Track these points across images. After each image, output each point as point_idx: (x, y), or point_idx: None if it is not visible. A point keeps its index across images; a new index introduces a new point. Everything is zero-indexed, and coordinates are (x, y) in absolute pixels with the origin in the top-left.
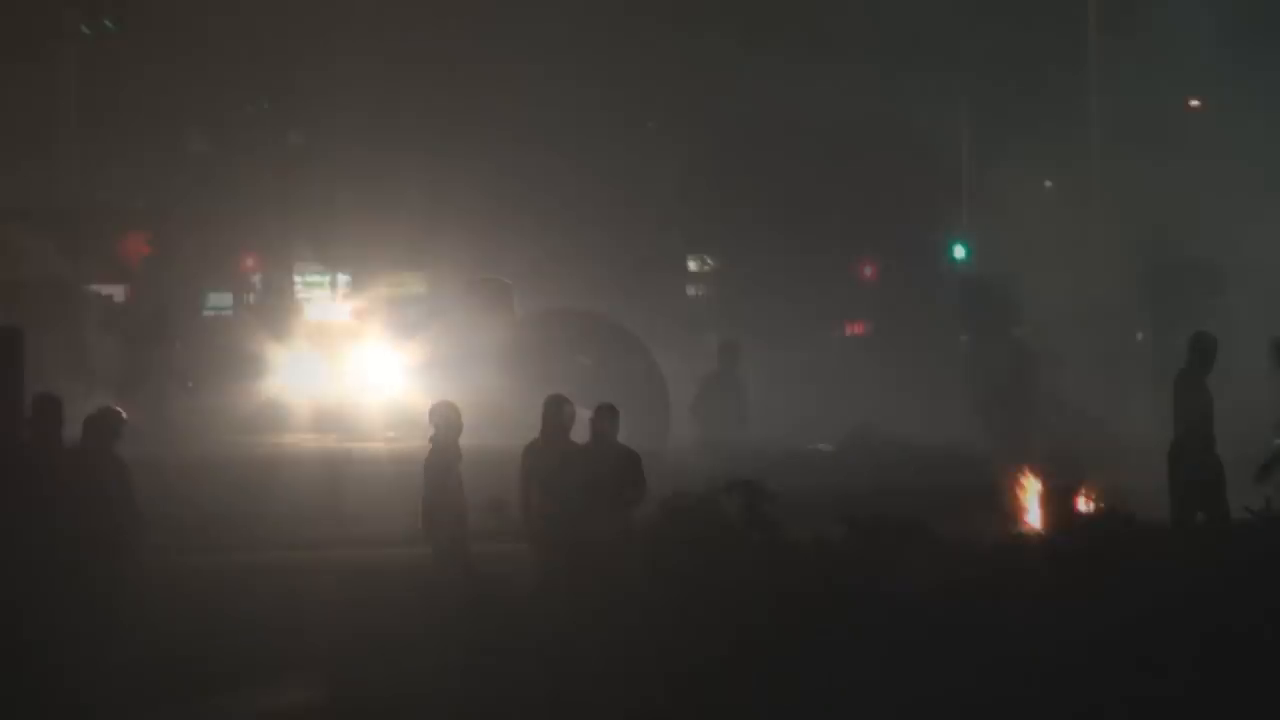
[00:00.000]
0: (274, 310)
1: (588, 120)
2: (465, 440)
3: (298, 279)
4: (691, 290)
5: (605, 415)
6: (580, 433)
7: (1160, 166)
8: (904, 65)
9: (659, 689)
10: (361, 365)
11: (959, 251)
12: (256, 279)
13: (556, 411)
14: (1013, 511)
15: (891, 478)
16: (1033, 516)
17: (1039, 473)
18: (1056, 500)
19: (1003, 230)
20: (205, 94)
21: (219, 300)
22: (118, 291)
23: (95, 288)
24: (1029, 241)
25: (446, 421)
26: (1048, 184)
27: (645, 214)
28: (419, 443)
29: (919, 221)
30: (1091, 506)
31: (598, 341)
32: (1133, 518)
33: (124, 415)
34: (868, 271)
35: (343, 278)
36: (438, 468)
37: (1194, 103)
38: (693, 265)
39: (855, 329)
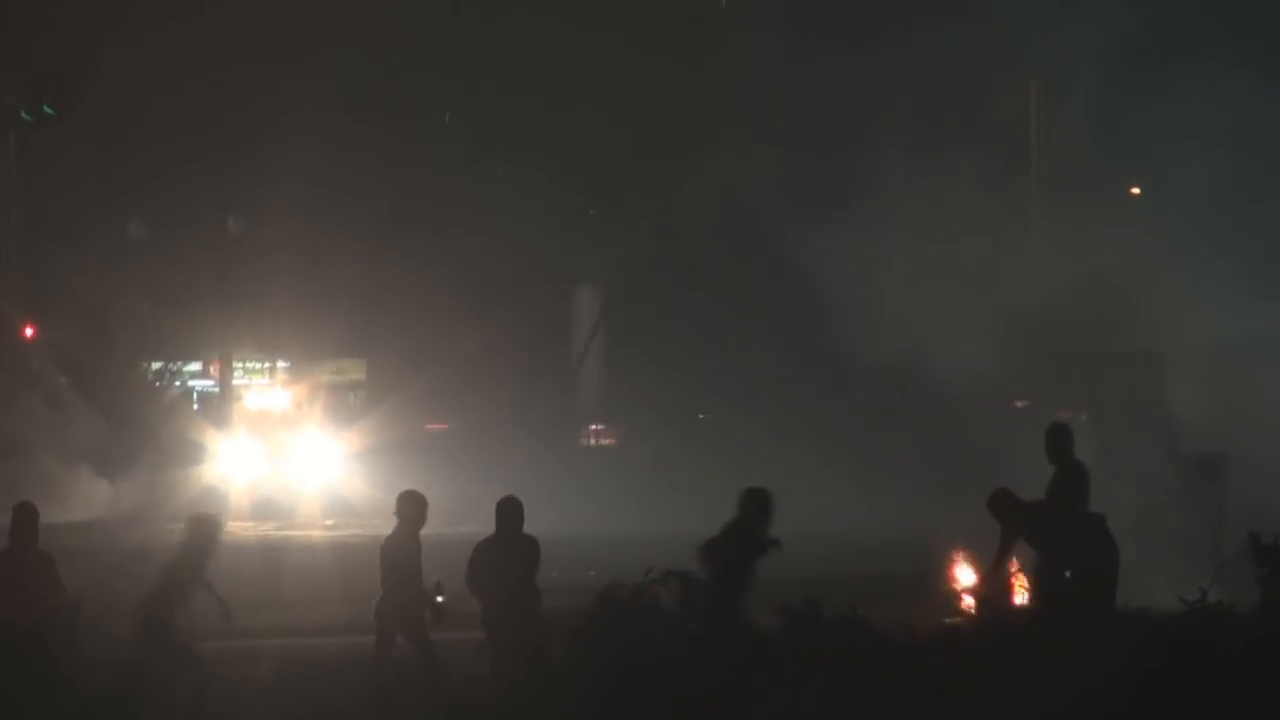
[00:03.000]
0: (214, 397)
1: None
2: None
3: (237, 365)
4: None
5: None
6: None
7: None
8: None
9: None
10: (300, 452)
11: None
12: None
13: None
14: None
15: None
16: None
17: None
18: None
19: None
20: (146, 181)
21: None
22: None
23: None
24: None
25: (412, 513)
26: None
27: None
28: (356, 531)
29: None
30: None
31: None
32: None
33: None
34: None
35: (282, 364)
36: (395, 555)
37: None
38: None
39: None
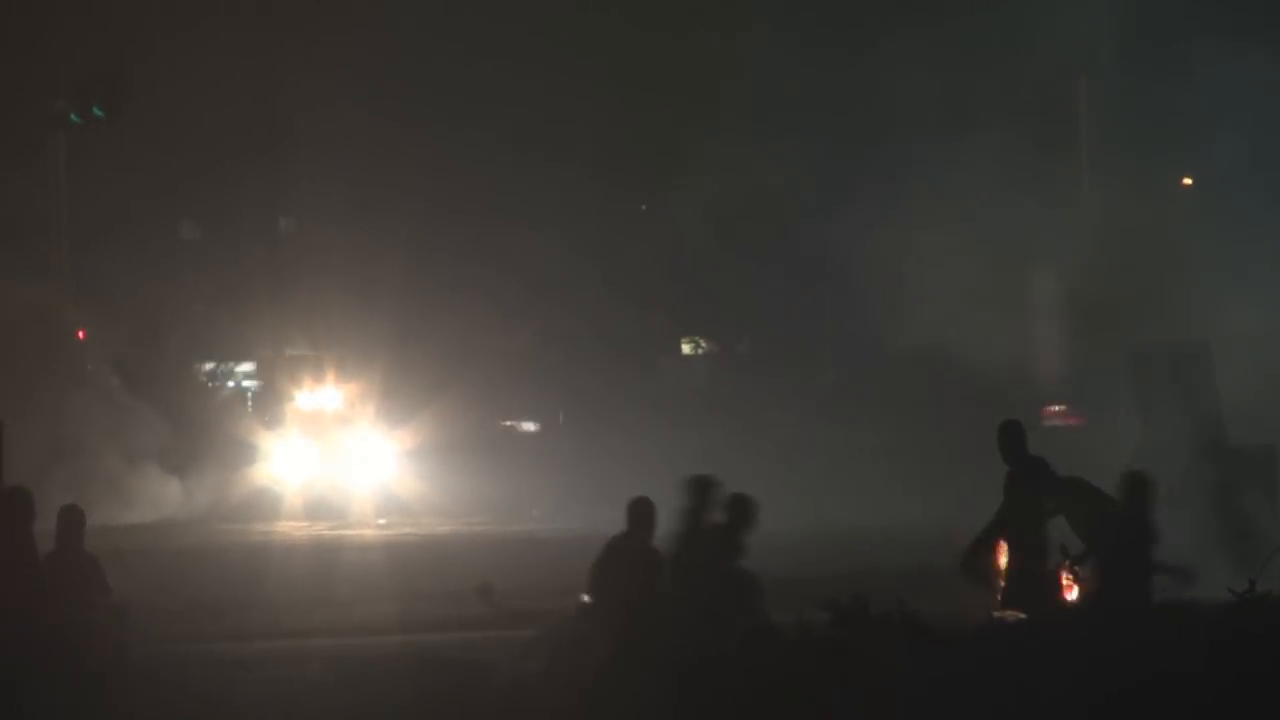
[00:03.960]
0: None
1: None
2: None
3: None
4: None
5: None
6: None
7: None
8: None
9: None
10: (353, 451)
11: None
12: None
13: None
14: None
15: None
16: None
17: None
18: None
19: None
20: (197, 182)
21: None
22: None
23: None
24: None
25: (644, 518)
26: None
27: (633, 296)
28: (409, 530)
29: None
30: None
31: None
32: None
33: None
34: None
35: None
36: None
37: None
38: (686, 348)
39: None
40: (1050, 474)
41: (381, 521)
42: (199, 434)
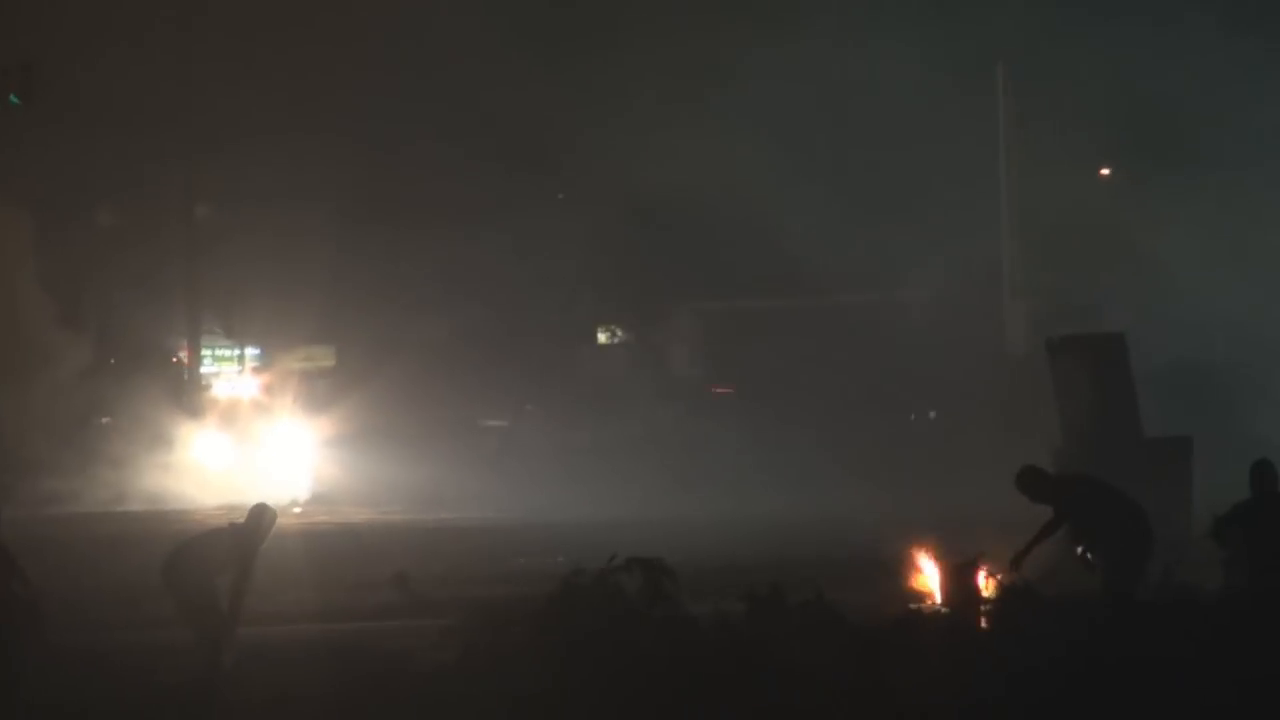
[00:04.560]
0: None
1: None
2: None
3: (206, 353)
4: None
5: None
6: None
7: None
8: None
9: None
10: (270, 440)
11: None
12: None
13: None
14: (911, 584)
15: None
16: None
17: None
18: (956, 574)
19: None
20: (113, 168)
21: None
22: None
23: None
24: None
25: None
26: None
27: (554, 287)
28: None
29: None
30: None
31: None
32: (1030, 591)
33: None
34: None
35: (251, 352)
36: None
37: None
38: (602, 337)
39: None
40: None
41: (296, 510)
42: (115, 422)
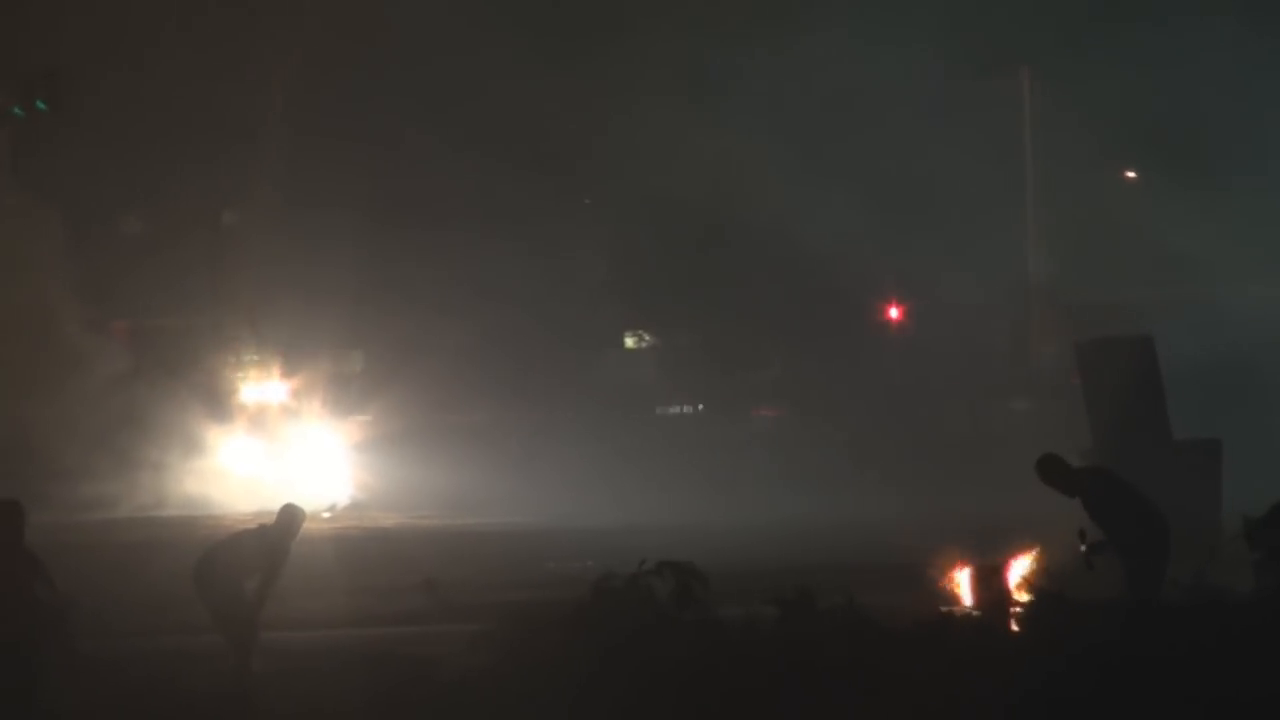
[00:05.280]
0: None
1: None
2: (400, 517)
3: (233, 358)
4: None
5: None
6: None
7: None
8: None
9: None
10: (299, 444)
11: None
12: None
13: None
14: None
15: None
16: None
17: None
18: (987, 578)
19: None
20: (139, 174)
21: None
22: None
23: None
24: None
25: None
26: None
27: (579, 292)
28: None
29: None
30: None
31: None
32: (1062, 597)
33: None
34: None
35: (278, 356)
36: None
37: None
38: (629, 342)
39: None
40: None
41: (326, 514)
42: (148, 427)
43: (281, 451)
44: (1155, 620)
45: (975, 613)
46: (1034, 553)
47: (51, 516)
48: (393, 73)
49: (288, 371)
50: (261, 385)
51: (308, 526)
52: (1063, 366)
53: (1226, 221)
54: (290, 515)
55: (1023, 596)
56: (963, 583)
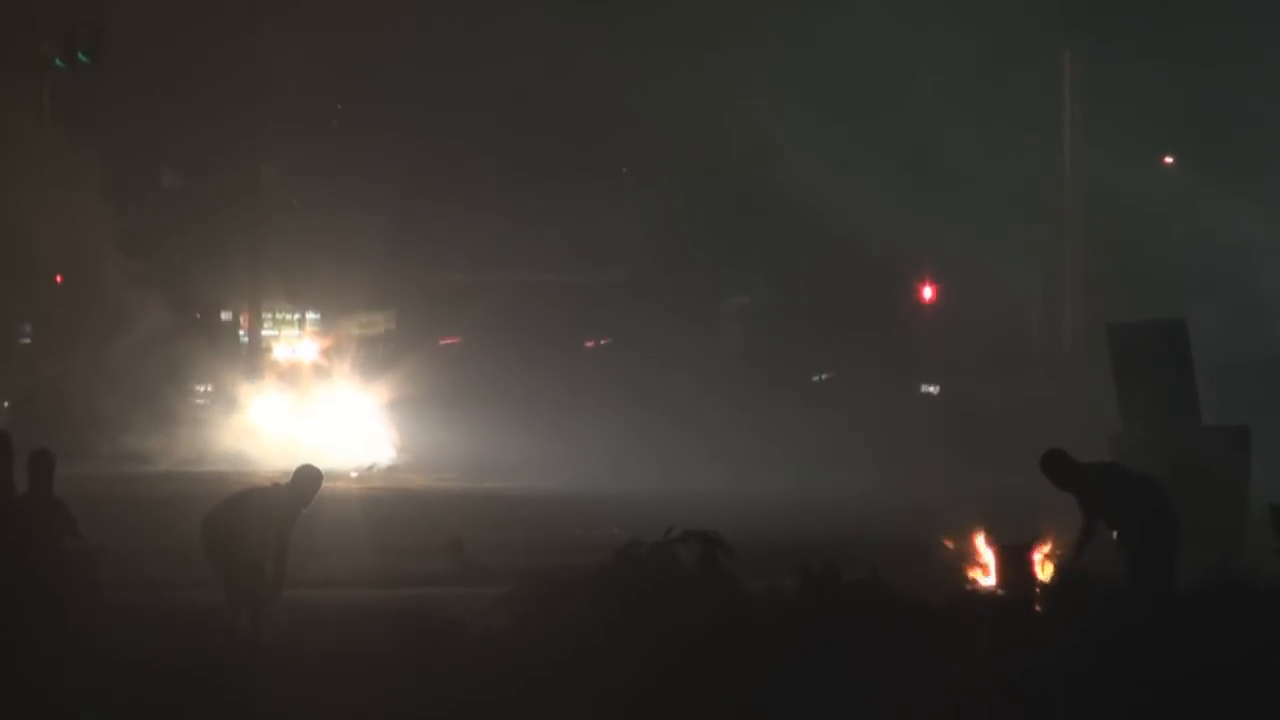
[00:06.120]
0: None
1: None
2: (428, 479)
3: (266, 317)
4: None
5: None
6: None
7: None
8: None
9: None
10: (329, 403)
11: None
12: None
13: None
14: (965, 567)
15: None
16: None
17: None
18: (1012, 557)
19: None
20: (179, 129)
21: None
22: None
23: None
24: None
25: None
26: None
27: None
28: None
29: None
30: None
31: None
32: (1087, 577)
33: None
34: None
35: (311, 316)
36: None
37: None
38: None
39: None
40: None
41: (354, 474)
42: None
43: (325, 411)
44: (1166, 608)
45: (1000, 591)
46: (1055, 534)
47: (92, 468)
48: (435, 30)
49: (320, 330)
50: (293, 344)
51: (336, 486)
52: (1095, 349)
53: (1266, 207)
54: (305, 476)
55: (1046, 575)
56: (989, 561)
